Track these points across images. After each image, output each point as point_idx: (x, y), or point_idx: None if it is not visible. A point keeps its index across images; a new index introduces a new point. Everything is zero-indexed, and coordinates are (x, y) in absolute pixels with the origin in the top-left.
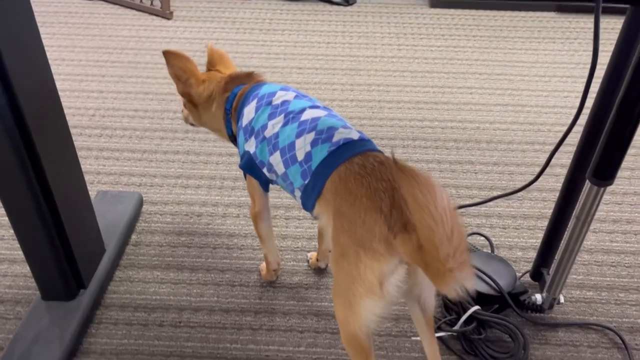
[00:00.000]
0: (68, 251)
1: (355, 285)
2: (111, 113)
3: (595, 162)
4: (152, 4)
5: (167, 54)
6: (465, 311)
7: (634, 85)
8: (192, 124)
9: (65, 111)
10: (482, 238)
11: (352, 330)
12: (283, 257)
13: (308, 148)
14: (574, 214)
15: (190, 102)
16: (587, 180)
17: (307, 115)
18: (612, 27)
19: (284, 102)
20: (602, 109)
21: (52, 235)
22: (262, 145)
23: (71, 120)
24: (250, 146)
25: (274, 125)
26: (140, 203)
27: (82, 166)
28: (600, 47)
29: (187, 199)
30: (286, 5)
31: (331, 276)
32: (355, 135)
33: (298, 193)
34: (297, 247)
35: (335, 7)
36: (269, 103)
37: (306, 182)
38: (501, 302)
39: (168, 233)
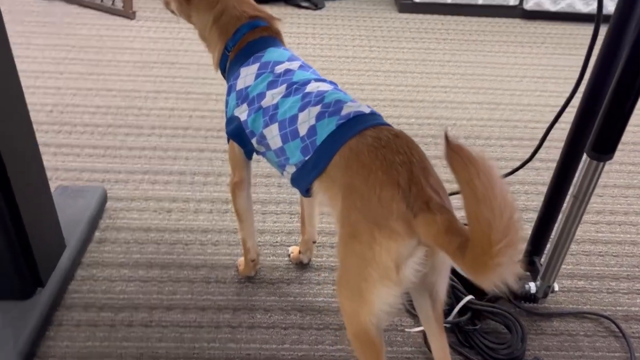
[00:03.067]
0: (25, 246)
1: (368, 269)
2: (71, 109)
3: (595, 135)
4: (113, 3)
5: None
6: (458, 301)
7: (637, 49)
8: (172, 12)
9: None
10: None
11: (362, 323)
12: (262, 252)
13: (313, 122)
14: (570, 193)
15: None
16: (586, 156)
17: (312, 87)
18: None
19: (287, 72)
20: (597, 87)
21: (8, 228)
22: (255, 115)
23: None
24: (242, 113)
25: (274, 96)
26: (104, 198)
27: None
28: (570, 54)
29: (155, 194)
30: None
31: (314, 270)
32: (366, 109)
33: (291, 169)
34: (276, 242)
35: (304, 11)
36: (272, 71)
37: (307, 158)
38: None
39: (135, 229)
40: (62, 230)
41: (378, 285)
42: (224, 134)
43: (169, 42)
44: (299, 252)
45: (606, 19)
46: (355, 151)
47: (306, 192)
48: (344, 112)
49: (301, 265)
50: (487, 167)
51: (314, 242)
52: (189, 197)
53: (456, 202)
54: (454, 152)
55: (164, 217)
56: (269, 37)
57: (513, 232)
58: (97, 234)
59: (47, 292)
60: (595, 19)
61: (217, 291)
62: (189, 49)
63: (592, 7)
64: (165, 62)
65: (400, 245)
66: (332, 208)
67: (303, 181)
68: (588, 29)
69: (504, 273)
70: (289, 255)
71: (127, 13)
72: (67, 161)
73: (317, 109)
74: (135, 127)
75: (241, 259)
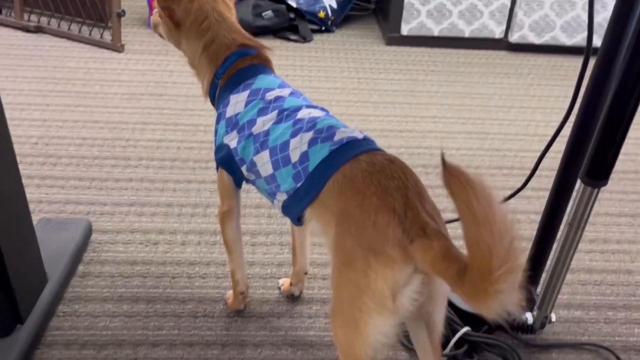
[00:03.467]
0: (4, 280)
1: (362, 298)
2: (56, 141)
3: (589, 161)
4: (102, 37)
5: None
6: (454, 333)
7: (630, 68)
8: (160, 35)
9: None
10: None
11: (357, 356)
12: (251, 284)
13: (305, 148)
14: (565, 221)
15: (171, 17)
16: (580, 183)
17: (304, 114)
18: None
19: (278, 99)
20: (588, 115)
21: None
22: (246, 142)
23: None
24: (231, 140)
25: (265, 122)
26: (89, 231)
27: None
28: (555, 84)
29: (141, 227)
30: None
31: (306, 303)
32: (359, 135)
33: (282, 197)
34: (266, 274)
35: (293, 44)
36: (262, 98)
37: (299, 185)
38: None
39: (121, 263)
40: (44, 264)
41: (374, 314)
42: (212, 165)
43: (157, 74)
44: (290, 285)
45: (594, 51)
46: (349, 176)
47: (298, 220)
48: (336, 137)
49: (292, 298)
50: (486, 191)
51: (306, 274)
52: (176, 229)
53: (452, 230)
54: (452, 175)
55: (150, 249)
56: (259, 64)
57: (513, 257)
58: (80, 267)
59: (26, 328)
60: (584, 50)
61: (205, 326)
62: (177, 81)
63: (575, 40)
64: (153, 94)
65: (396, 272)
66: (325, 236)
67: (295, 208)
68: (572, 60)
69: (504, 300)
70: (279, 288)
71: (116, 46)
72: (51, 193)
73: (309, 135)
74: (122, 158)
75: (230, 292)
